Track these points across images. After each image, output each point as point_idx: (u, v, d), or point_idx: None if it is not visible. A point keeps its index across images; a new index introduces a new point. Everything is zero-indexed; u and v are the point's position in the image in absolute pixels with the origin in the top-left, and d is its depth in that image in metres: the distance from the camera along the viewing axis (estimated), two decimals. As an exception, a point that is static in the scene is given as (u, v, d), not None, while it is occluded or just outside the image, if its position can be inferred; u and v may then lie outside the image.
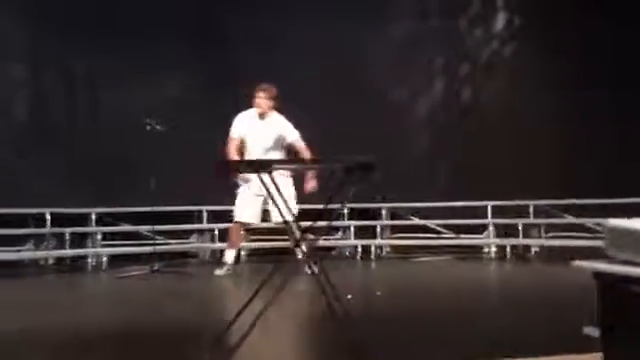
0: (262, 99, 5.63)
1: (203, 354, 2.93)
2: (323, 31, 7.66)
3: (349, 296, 4.29)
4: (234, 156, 5.56)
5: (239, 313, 3.08)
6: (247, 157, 5.59)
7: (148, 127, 5.96)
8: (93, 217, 7.21)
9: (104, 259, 6.79)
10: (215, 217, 7.63)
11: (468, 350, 2.81)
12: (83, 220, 7.16)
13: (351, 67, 7.67)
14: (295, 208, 4.93)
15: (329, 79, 7.38)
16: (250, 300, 3.14)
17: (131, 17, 7.41)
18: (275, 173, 4.96)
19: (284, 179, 5.28)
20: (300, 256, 3.84)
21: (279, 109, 5.72)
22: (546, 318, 3.66)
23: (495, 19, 8.34)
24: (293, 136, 5.67)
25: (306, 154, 5.56)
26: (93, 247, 7.01)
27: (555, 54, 7.70)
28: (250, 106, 5.70)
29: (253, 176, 5.21)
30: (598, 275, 2.21)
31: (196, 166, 5.90)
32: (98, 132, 7.37)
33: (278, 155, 5.59)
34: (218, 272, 5.75)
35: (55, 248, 6.91)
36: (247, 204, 5.67)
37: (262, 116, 5.69)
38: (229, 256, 5.82)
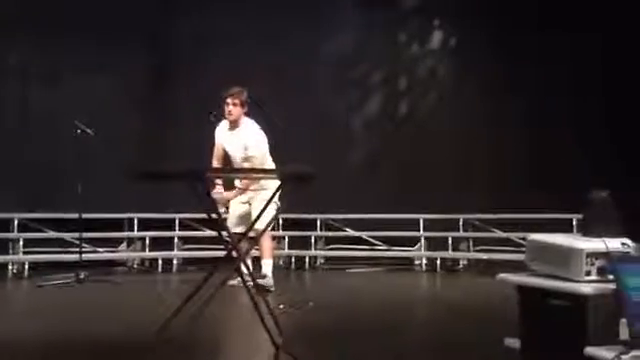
0: (230, 106, 5.15)
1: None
2: (263, 38, 7.66)
3: (281, 306, 4.28)
4: (216, 164, 5.23)
5: (166, 323, 3.02)
6: None
7: (78, 130, 5.77)
8: (16, 223, 6.90)
9: (26, 267, 6.49)
10: (146, 225, 7.46)
11: (392, 359, 2.85)
12: (5, 226, 6.84)
13: (289, 77, 7.69)
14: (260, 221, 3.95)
15: (265, 88, 7.37)
16: (178, 310, 3.08)
17: (64, 15, 7.17)
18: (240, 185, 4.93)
19: (255, 192, 5.05)
20: (235, 266, 3.80)
21: (250, 114, 5.29)
22: (470, 330, 3.76)
23: (432, 35, 8.55)
24: (251, 151, 5.13)
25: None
26: (14, 254, 6.70)
27: (498, 69, 7.93)
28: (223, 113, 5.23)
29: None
30: (520, 288, 2.30)
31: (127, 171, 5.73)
32: (26, 134, 7.08)
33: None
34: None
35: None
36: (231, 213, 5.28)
37: (232, 125, 5.23)
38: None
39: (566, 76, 7.75)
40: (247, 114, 5.26)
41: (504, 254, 7.19)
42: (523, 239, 6.95)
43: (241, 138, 5.19)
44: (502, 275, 2.31)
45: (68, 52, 7.19)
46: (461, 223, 7.80)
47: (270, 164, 5.23)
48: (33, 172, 6.95)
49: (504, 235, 7.52)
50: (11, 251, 6.74)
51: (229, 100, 5.14)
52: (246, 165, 5.09)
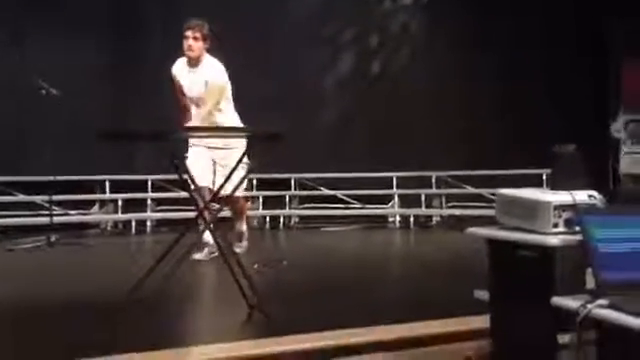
0: (191, 40, 4.63)
1: (101, 325, 2.84)
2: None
3: (255, 266, 4.30)
4: (182, 105, 4.78)
5: (138, 284, 3.00)
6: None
7: (43, 91, 5.62)
8: (-16, 187, 6.78)
9: (-5, 230, 6.41)
10: (118, 187, 7.39)
11: (366, 316, 2.89)
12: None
13: (260, 37, 7.56)
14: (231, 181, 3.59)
15: (237, 51, 7.22)
16: (150, 271, 3.07)
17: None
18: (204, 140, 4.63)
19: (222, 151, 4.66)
20: (202, 226, 3.78)
21: (212, 50, 4.77)
22: (440, 284, 3.83)
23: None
24: (212, 83, 4.65)
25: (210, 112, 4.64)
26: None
27: (462, 20, 7.88)
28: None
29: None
30: (489, 241, 2.32)
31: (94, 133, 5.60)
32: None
33: (215, 110, 4.68)
34: (198, 256, 4.68)
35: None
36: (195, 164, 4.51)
37: (193, 62, 4.71)
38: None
39: (538, 28, 7.74)
40: (209, 50, 4.75)
41: (476, 210, 7.28)
42: (495, 195, 7.04)
43: (202, 75, 4.70)
44: (471, 229, 2.33)
45: (32, 11, 6.95)
46: (434, 180, 7.86)
47: (233, 115, 4.84)
48: (2, 136, 6.78)
49: (476, 191, 7.62)
50: (-20, 215, 6.63)
51: (189, 33, 4.62)
52: (204, 107, 4.64)
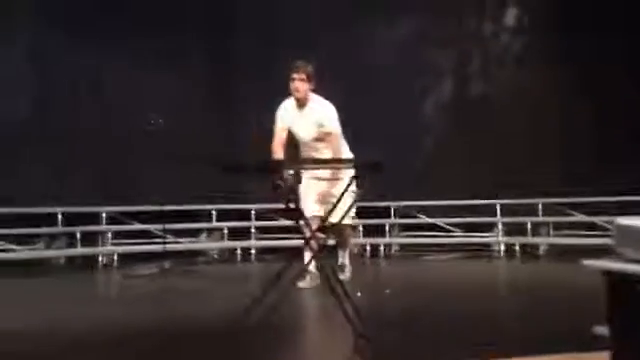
0: (297, 82, 4.70)
1: (218, 350, 2.96)
2: (334, 25, 7.69)
3: (358, 293, 4.32)
4: (277, 151, 4.74)
5: (250, 309, 3.12)
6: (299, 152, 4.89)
7: (152, 122, 5.95)
8: (104, 216, 7.27)
9: (115, 257, 6.83)
10: (224, 216, 7.70)
11: (478, 348, 2.82)
12: (94, 219, 7.22)
13: (361, 64, 7.69)
14: (338, 208, 3.73)
15: (336, 74, 7.37)
16: (261, 298, 3.18)
17: (132, 11, 7.45)
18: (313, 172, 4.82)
19: (329, 178, 4.73)
20: (309, 255, 3.87)
21: (317, 90, 4.86)
22: (556, 317, 3.66)
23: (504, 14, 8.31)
24: (328, 128, 4.76)
25: (332, 152, 4.73)
26: (104, 246, 7.06)
27: (567, 51, 7.65)
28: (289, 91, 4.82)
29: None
30: (607, 273, 2.23)
31: (204, 164, 5.90)
32: (107, 132, 7.42)
33: (325, 148, 4.79)
34: (302, 284, 4.68)
35: (66, 247, 6.98)
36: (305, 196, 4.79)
37: (300, 103, 4.78)
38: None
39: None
40: (314, 90, 4.83)
41: (586, 239, 6.94)
42: (607, 223, 6.69)
43: (312, 115, 4.77)
44: (588, 261, 2.24)
45: (135, 51, 7.45)
46: (540, 207, 7.58)
47: (346, 148, 4.96)
48: (115, 168, 7.29)
49: (587, 219, 7.26)
50: (101, 243, 7.11)
51: (295, 75, 4.69)
52: (321, 145, 4.79)
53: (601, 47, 7.43)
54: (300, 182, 4.71)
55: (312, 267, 4.64)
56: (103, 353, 3.06)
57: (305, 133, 4.85)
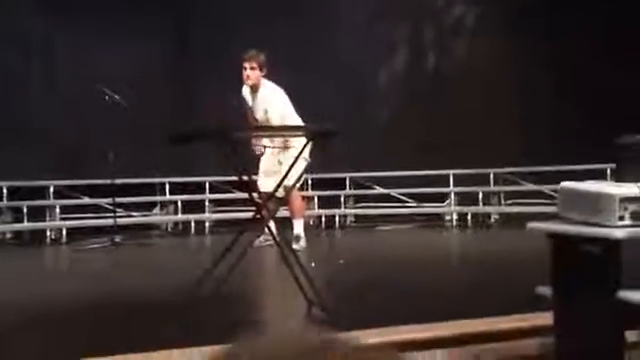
0: (248, 70, 5.10)
1: (171, 323, 2.92)
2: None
3: (313, 264, 4.34)
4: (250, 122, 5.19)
5: (201, 279, 3.08)
6: None
7: (107, 97, 5.83)
8: (51, 190, 7.06)
9: (63, 232, 6.67)
10: (177, 189, 7.58)
11: (428, 313, 2.87)
12: (41, 193, 7.02)
13: (316, 35, 7.61)
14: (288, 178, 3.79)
15: (293, 50, 7.29)
16: (213, 269, 3.14)
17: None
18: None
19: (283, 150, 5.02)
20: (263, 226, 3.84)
21: (269, 75, 5.17)
22: (502, 280, 3.76)
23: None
24: (270, 114, 5.09)
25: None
26: (52, 220, 6.87)
27: (523, 21, 7.72)
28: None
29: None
30: (552, 235, 2.28)
31: (157, 136, 5.78)
32: (55, 103, 7.18)
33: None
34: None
35: (13, 222, 6.76)
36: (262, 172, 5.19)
37: (253, 89, 5.21)
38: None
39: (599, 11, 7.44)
40: (266, 76, 5.18)
41: (536, 207, 7.11)
42: (555, 191, 6.86)
43: (261, 100, 5.17)
44: (533, 224, 2.29)
45: (94, 20, 7.21)
46: (491, 177, 7.71)
47: (296, 122, 5.15)
48: (65, 140, 7.08)
49: (536, 188, 7.43)
50: (48, 218, 6.92)
51: (246, 64, 5.08)
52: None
53: (557, 18, 7.53)
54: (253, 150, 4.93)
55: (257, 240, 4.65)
56: (53, 328, 3.00)
57: (258, 116, 5.23)
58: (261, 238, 4.83)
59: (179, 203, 7.53)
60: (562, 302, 2.20)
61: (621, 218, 1.97)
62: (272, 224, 3.65)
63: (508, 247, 5.38)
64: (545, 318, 2.31)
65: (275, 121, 5.07)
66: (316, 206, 7.72)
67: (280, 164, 4.97)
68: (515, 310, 2.65)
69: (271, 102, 5.13)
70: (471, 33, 8.25)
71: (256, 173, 5.12)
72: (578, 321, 2.13)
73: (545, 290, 2.30)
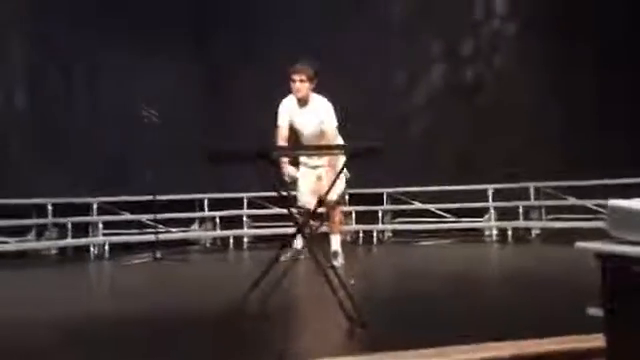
0: (298, 83, 5.05)
1: (214, 338, 2.95)
2: (325, 12, 7.64)
3: (352, 281, 4.32)
4: (281, 137, 5.12)
5: (245, 297, 3.10)
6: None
7: (145, 118, 5.95)
8: (95, 207, 7.22)
9: (106, 248, 6.79)
10: (216, 205, 7.67)
11: (472, 333, 2.82)
12: (85, 210, 7.17)
13: (353, 50, 7.65)
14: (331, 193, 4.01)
15: (331, 66, 7.31)
16: (254, 285, 3.16)
17: (130, 5, 7.38)
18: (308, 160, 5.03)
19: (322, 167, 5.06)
20: (301, 242, 3.85)
21: (318, 88, 5.17)
22: (549, 299, 3.66)
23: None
24: (327, 125, 5.08)
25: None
26: (94, 236, 7.01)
27: (564, 33, 7.62)
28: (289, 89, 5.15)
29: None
30: (600, 256, 2.22)
31: (195, 154, 5.87)
32: (97, 123, 7.37)
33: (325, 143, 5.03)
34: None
35: (57, 238, 6.93)
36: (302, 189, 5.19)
37: (302, 102, 5.13)
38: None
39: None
40: (315, 89, 5.16)
41: (579, 222, 6.96)
42: (599, 206, 6.71)
43: (314, 114, 5.11)
44: (581, 243, 2.23)
45: (133, 44, 7.39)
46: (532, 191, 7.58)
47: (339, 139, 5.16)
48: (108, 158, 7.25)
49: (579, 202, 7.27)
50: (91, 234, 7.06)
51: (295, 77, 5.04)
52: (319, 141, 5.04)
53: (599, 26, 7.41)
54: (296, 168, 5.10)
55: (297, 244, 4.71)
56: (99, 344, 3.04)
57: (306, 130, 5.15)
58: (289, 254, 4.79)
59: (217, 219, 7.61)
60: (614, 325, 2.13)
61: (677, 239, 1.91)
62: (300, 240, 3.64)
63: (552, 264, 5.26)
64: (597, 340, 2.24)
65: (332, 132, 5.05)
66: (354, 221, 7.70)
67: (319, 179, 5.04)
68: (565, 331, 2.58)
69: (327, 114, 5.11)
70: (510, 46, 8.18)
71: (294, 189, 5.16)
72: (631, 345, 2.07)
73: (596, 311, 2.24)
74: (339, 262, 5.21)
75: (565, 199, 7.48)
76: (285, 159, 5.19)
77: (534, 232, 7.38)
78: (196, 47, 7.85)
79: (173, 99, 7.24)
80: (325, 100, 5.18)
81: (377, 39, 7.97)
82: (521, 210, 7.46)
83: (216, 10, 7.93)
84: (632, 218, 2.07)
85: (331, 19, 7.69)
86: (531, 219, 7.53)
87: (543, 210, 7.56)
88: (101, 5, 7.32)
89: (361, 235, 7.63)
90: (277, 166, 3.26)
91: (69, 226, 6.93)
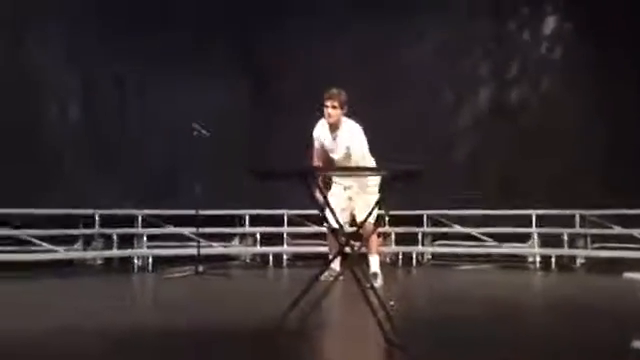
0: (330, 109, 5.16)
1: (251, 353, 2.98)
2: (364, 29, 7.72)
3: (391, 302, 4.30)
4: (316, 164, 5.26)
5: (284, 315, 3.13)
6: None
7: (195, 132, 6.08)
8: (140, 219, 7.39)
9: (149, 260, 6.93)
10: (257, 221, 7.76)
11: (511, 357, 2.79)
12: (130, 222, 7.35)
13: (395, 69, 7.69)
14: (365, 215, 4.16)
15: (372, 90, 7.37)
16: (294, 303, 3.19)
17: (176, 21, 7.61)
18: (341, 180, 5.10)
19: (358, 186, 5.15)
20: (339, 263, 3.88)
21: (350, 114, 5.26)
22: (593, 329, 3.58)
23: (544, 22, 8.20)
24: (354, 150, 5.17)
25: None
26: (139, 248, 7.17)
27: (608, 59, 7.52)
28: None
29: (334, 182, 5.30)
30: (649, 287, 2.18)
31: (239, 170, 5.96)
32: (148, 136, 7.58)
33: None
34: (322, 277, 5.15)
35: (103, 249, 7.11)
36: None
37: (332, 127, 5.24)
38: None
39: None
40: (347, 115, 5.25)
41: (625, 251, 6.78)
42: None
43: (342, 139, 5.22)
44: (629, 274, 2.20)
45: (178, 63, 7.60)
46: (577, 219, 7.43)
47: (371, 162, 5.21)
48: (154, 173, 7.44)
49: (625, 232, 7.10)
50: (136, 245, 7.23)
51: (328, 103, 5.15)
52: (349, 165, 5.14)
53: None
54: (329, 188, 5.09)
55: (335, 265, 4.81)
56: (141, 354, 3.10)
57: (335, 154, 5.30)
58: (326, 273, 4.85)
59: (258, 235, 7.69)
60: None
61: None
62: (339, 260, 3.66)
63: (597, 293, 5.12)
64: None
65: (356, 158, 5.14)
66: (393, 243, 7.68)
67: (350, 200, 5.10)
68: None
69: (353, 140, 5.21)
70: (555, 69, 8.11)
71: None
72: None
73: (642, 344, 2.20)
74: (378, 283, 5.21)
75: (611, 227, 7.31)
76: (319, 181, 5.21)
77: (579, 261, 7.22)
78: (243, 66, 8.01)
79: (221, 113, 7.40)
80: (356, 126, 5.26)
81: (422, 61, 7.99)
82: (566, 238, 7.32)
83: (259, 22, 8.07)
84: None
85: (367, 37, 7.74)
86: (576, 247, 7.37)
87: (588, 238, 7.39)
88: (152, 20, 7.54)
89: (400, 257, 7.59)
90: (310, 187, 3.31)
91: (114, 237, 7.10)
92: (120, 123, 7.70)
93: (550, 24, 8.18)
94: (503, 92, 8.18)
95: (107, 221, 7.18)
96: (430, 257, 7.73)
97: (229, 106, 7.78)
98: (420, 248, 7.68)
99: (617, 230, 7.26)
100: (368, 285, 3.53)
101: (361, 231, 4.43)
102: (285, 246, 7.71)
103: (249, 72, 8.08)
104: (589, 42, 7.74)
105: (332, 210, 4.89)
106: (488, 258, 7.45)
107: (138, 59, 7.44)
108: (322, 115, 5.28)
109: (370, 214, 4.06)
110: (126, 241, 7.22)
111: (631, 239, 6.96)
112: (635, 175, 7.07)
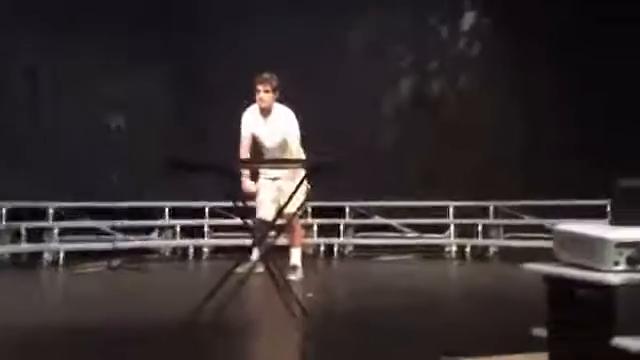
0: (262, 93, 5.04)
1: (167, 349, 2.90)
2: (298, 19, 7.67)
3: (309, 294, 4.31)
4: (244, 155, 5.10)
5: (198, 309, 3.07)
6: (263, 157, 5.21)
7: (113, 125, 5.88)
8: (51, 212, 7.06)
9: (61, 255, 6.63)
10: (176, 214, 7.58)
11: (425, 347, 2.85)
12: (40, 215, 7.02)
13: (318, 61, 7.68)
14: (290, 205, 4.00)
15: (296, 79, 7.31)
16: (209, 296, 3.14)
17: (90, 11, 7.30)
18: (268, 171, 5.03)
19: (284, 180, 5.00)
20: (257, 255, 3.84)
21: (281, 99, 5.17)
22: (497, 318, 3.73)
23: (463, 17, 8.40)
24: (289, 137, 5.08)
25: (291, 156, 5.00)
26: (49, 242, 6.85)
27: (525, 54, 7.79)
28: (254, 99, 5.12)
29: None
30: (547, 278, 2.27)
31: (158, 162, 5.80)
32: (60, 128, 7.24)
33: (284, 153, 5.09)
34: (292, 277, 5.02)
35: (10, 243, 6.75)
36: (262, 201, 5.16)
37: (265, 112, 5.11)
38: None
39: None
40: (279, 100, 5.15)
41: (536, 241, 7.07)
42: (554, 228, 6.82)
43: (276, 124, 5.10)
44: (528, 265, 2.28)
45: (98, 48, 7.31)
46: (491, 210, 7.70)
47: (301, 151, 5.15)
48: (67, 163, 7.11)
49: (536, 222, 7.41)
50: (46, 239, 6.90)
51: (260, 87, 5.03)
52: (281, 151, 5.07)
53: (558, 51, 7.60)
54: (256, 181, 4.96)
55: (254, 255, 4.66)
56: (49, 353, 2.96)
57: (268, 140, 5.16)
58: (250, 264, 4.85)
59: (178, 228, 7.52)
60: (556, 345, 2.18)
61: (616, 263, 1.97)
62: (257, 252, 3.65)
63: (505, 283, 5.34)
64: (541, 358, 2.29)
65: (293, 144, 5.06)
66: (315, 235, 7.69)
67: (279, 191, 5.03)
68: (509, 350, 2.63)
69: (289, 125, 5.10)
70: (474, 63, 8.33)
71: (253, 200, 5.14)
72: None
73: (540, 332, 2.28)
74: (297, 276, 5.19)
75: (522, 218, 7.61)
76: (246, 172, 5.17)
77: (492, 250, 7.48)
78: (164, 52, 7.77)
79: (138, 106, 7.15)
80: (288, 110, 5.17)
81: (347, 52, 8.02)
82: (480, 228, 7.57)
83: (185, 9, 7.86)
84: (575, 241, 2.12)
85: (301, 20, 7.71)
86: (489, 237, 7.64)
87: (501, 229, 7.67)
88: (68, 8, 7.21)
89: (322, 248, 7.62)
90: (237, 179, 3.26)
91: (23, 231, 6.76)
92: (29, 108, 7.30)
93: (469, 19, 8.40)
94: (424, 86, 8.33)
95: (16, 214, 6.82)
96: (352, 249, 7.81)
97: (148, 95, 7.53)
98: (342, 240, 7.74)
99: (527, 220, 7.57)
100: (284, 278, 3.52)
101: (283, 219, 4.40)
102: (206, 238, 7.58)
103: (172, 59, 7.83)
104: (507, 37, 7.99)
105: (261, 202, 4.88)
106: (409, 249, 7.60)
107: (53, 50, 7.09)
108: (250, 104, 5.17)
109: (300, 207, 4.03)
110: (36, 235, 6.87)
111: (542, 229, 7.26)
112: (551, 168, 7.38)
